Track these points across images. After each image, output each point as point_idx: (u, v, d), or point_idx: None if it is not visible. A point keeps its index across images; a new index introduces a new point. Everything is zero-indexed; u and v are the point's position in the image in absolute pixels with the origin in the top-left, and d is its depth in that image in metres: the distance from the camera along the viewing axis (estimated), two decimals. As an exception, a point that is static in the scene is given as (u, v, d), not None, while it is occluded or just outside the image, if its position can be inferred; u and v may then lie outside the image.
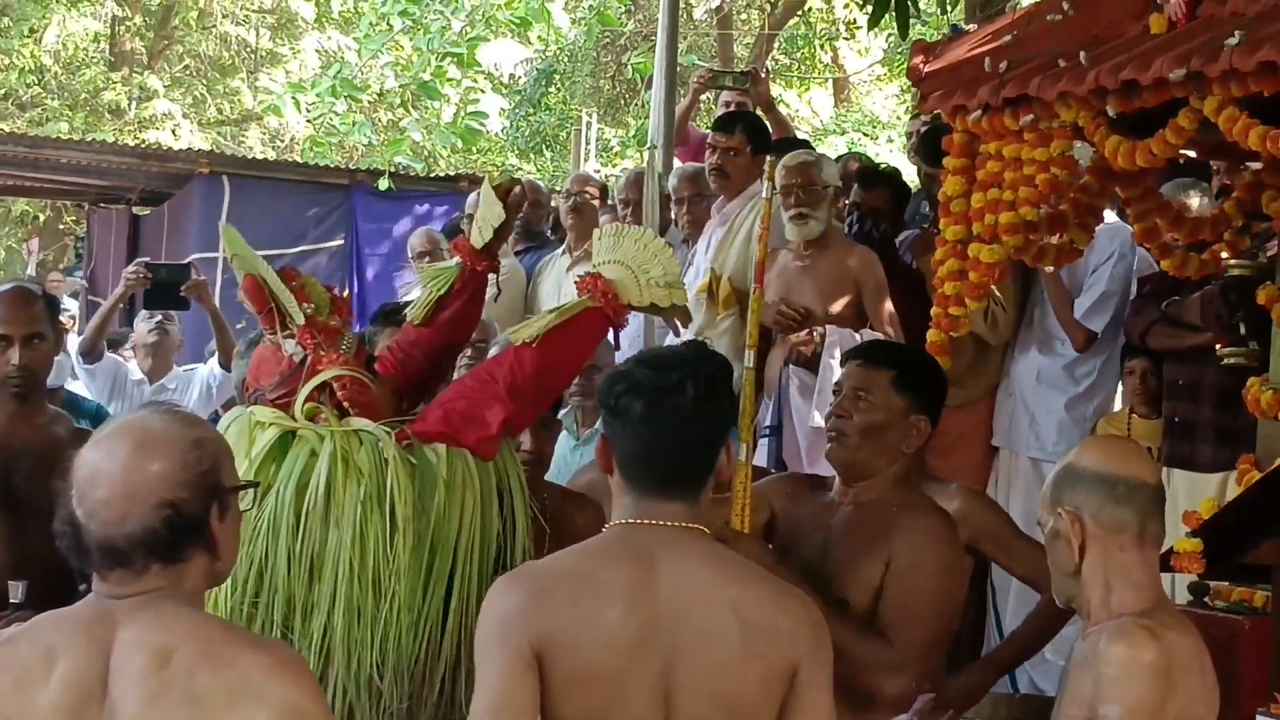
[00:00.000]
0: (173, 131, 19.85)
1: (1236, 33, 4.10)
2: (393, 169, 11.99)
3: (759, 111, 7.70)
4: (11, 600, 3.89)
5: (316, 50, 20.41)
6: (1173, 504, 5.09)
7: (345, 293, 3.86)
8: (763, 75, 8.46)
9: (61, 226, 19.53)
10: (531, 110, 18.24)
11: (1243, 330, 5.34)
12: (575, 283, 3.72)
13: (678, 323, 3.72)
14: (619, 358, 4.49)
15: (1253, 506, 4.43)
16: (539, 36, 15.13)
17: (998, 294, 5.99)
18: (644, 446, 2.83)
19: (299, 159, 16.51)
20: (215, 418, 5.23)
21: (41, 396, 4.36)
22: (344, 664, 3.34)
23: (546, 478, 4.27)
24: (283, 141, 21.01)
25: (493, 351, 4.78)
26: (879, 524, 3.61)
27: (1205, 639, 3.05)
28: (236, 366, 4.85)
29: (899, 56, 15.75)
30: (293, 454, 3.42)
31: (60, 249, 19.02)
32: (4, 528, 4.08)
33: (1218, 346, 5.50)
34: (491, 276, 3.78)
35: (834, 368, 5.79)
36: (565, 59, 18.17)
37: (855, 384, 3.75)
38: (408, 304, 3.89)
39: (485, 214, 3.70)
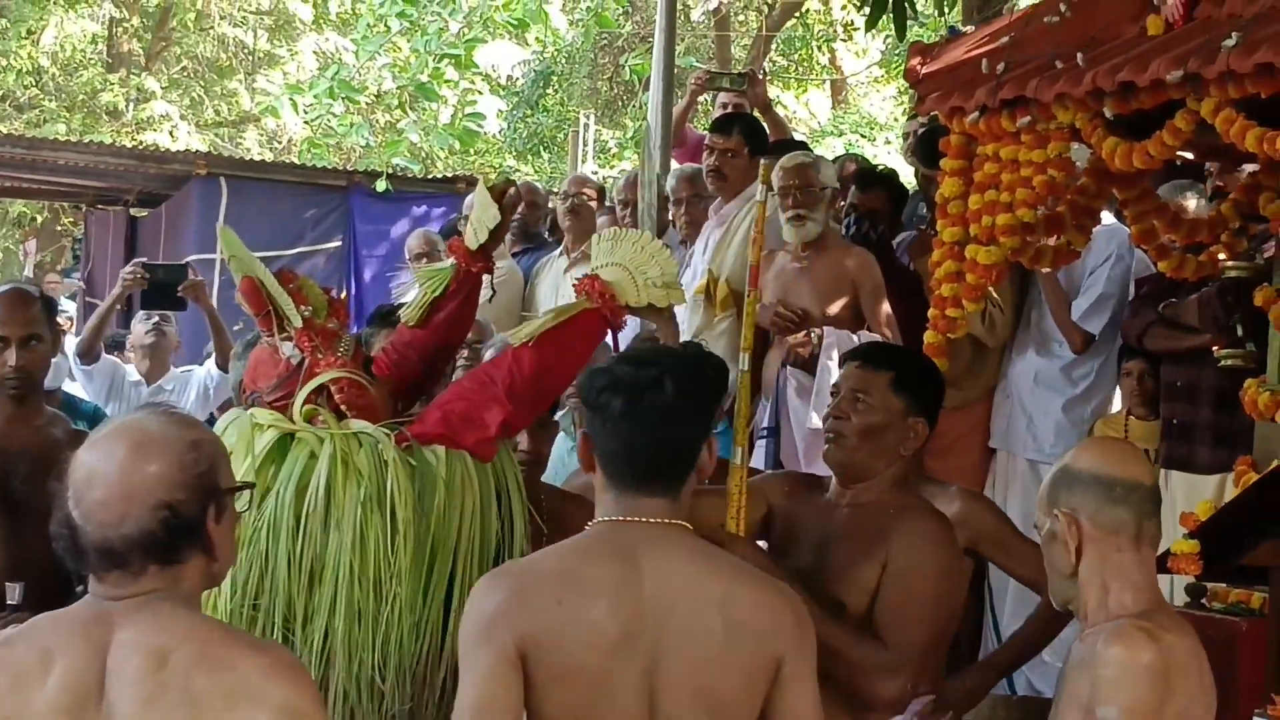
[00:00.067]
0: (170, 133, 19.84)
1: (1234, 34, 4.10)
2: (390, 170, 11.98)
3: (756, 113, 7.71)
4: (9, 602, 3.88)
5: (314, 52, 20.40)
6: (1171, 506, 5.10)
7: (343, 294, 3.88)
8: (760, 77, 8.47)
9: (59, 228, 19.52)
10: (529, 112, 18.24)
11: (1240, 332, 5.34)
12: (574, 285, 3.73)
13: (669, 331, 3.73)
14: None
15: (1250, 508, 4.43)
16: (536, 38, 15.13)
17: (995, 296, 5.99)
18: (624, 443, 2.84)
19: (296, 160, 16.50)
20: (211, 420, 5.22)
21: (39, 398, 4.36)
22: (346, 667, 3.34)
23: (543, 479, 4.27)
24: (280, 143, 21.00)
25: (488, 354, 4.77)
26: (876, 526, 3.61)
27: (1202, 640, 3.05)
28: (234, 368, 4.85)
29: (896, 58, 15.74)
30: (292, 456, 3.42)
31: (58, 250, 19.02)
32: (1, 529, 4.08)
33: (1215, 348, 5.50)
34: (486, 278, 3.78)
35: (832, 369, 5.79)
36: (563, 60, 18.16)
37: (853, 385, 3.75)
38: (404, 305, 3.89)
39: (480, 215, 3.70)
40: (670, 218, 7.18)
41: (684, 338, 6.16)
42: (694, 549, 2.86)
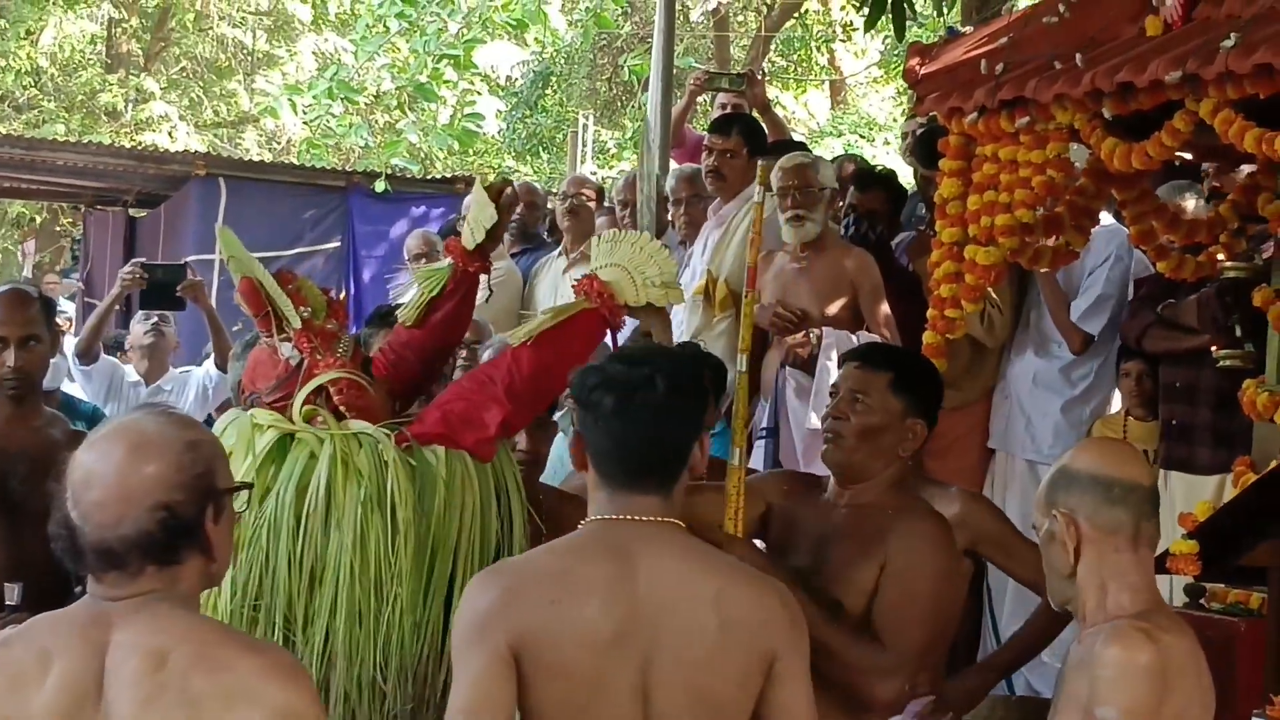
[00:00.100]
0: (169, 133, 19.84)
1: (1232, 35, 4.10)
2: (389, 171, 11.98)
3: (755, 113, 7.70)
4: (8, 602, 3.88)
5: (313, 52, 20.40)
6: (1170, 506, 5.10)
7: (342, 295, 3.88)
8: (759, 77, 8.46)
9: (58, 228, 19.52)
10: (528, 112, 18.23)
11: (1238, 332, 5.34)
12: (573, 286, 3.73)
13: (663, 331, 3.73)
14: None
15: (1248, 509, 4.43)
16: (535, 39, 15.12)
17: (994, 296, 5.99)
18: (616, 441, 2.84)
19: (295, 161, 16.50)
20: (209, 421, 5.22)
21: (37, 398, 4.36)
22: (347, 667, 3.34)
23: (542, 479, 4.28)
24: (279, 143, 21.01)
25: (485, 354, 4.78)
26: (874, 527, 3.61)
27: (1201, 641, 3.05)
28: (232, 368, 4.85)
29: (895, 59, 15.74)
30: (292, 456, 3.42)
31: (56, 251, 19.02)
32: (0, 530, 4.08)
33: (1214, 349, 5.50)
34: (483, 278, 3.78)
35: (831, 369, 5.78)
36: (562, 61, 18.16)
37: (852, 386, 3.75)
38: (402, 305, 3.89)
39: (477, 215, 3.71)
40: (669, 218, 7.18)
41: (683, 338, 6.20)
42: (687, 547, 2.87)
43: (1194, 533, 4.37)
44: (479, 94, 14.18)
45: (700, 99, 8.96)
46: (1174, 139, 4.40)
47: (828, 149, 15.20)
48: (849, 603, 3.58)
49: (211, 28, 21.43)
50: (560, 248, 7.85)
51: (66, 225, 18.75)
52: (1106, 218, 5.80)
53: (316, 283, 3.83)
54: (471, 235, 3.70)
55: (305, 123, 14.17)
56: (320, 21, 20.44)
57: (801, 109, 19.74)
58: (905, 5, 7.89)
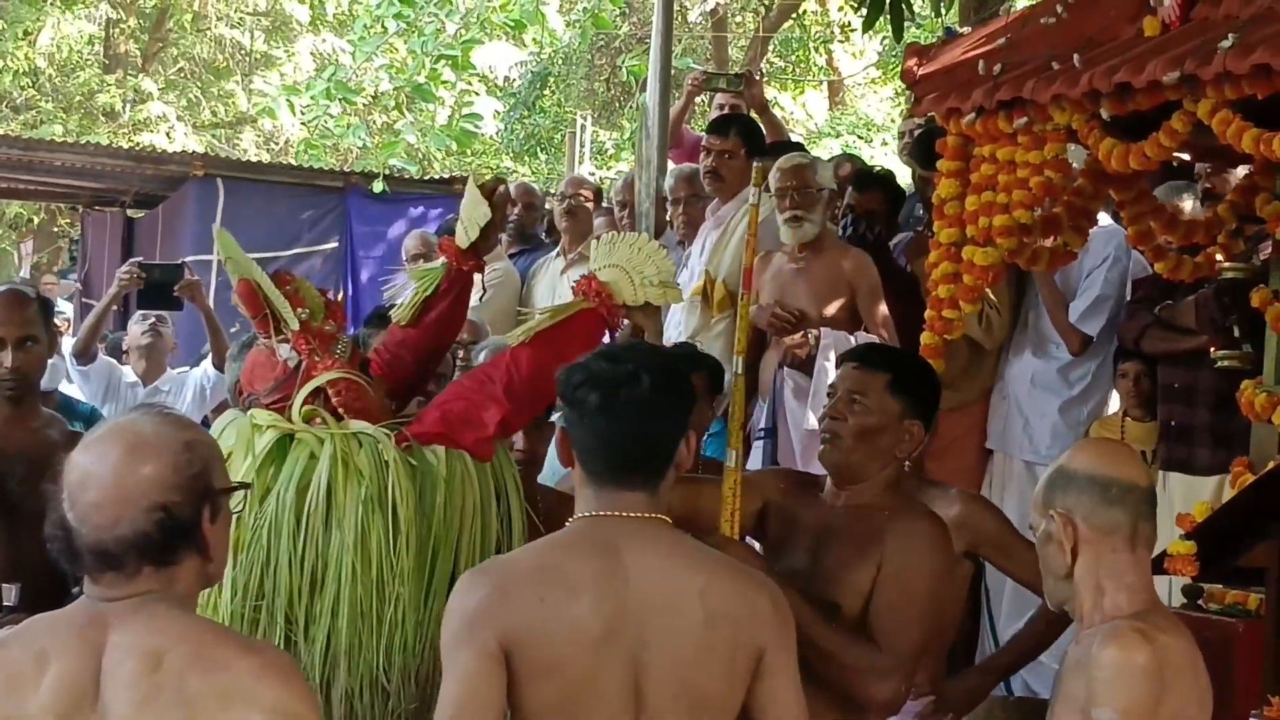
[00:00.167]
0: (167, 134, 19.84)
1: (1230, 35, 4.10)
2: (387, 171, 11.98)
3: (753, 114, 7.70)
4: (5, 603, 3.88)
5: (311, 53, 20.40)
6: (1169, 507, 5.09)
7: (340, 296, 3.88)
8: (757, 78, 8.45)
9: (56, 229, 19.54)
10: (526, 113, 18.22)
11: (1237, 333, 5.34)
12: (572, 287, 3.73)
13: (655, 330, 3.73)
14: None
15: (1246, 509, 4.43)
16: (533, 39, 15.10)
17: (992, 297, 5.99)
18: (601, 438, 2.85)
19: (293, 162, 16.51)
20: (206, 423, 5.22)
21: (35, 399, 4.35)
22: (350, 668, 3.34)
23: (540, 479, 4.27)
24: (277, 144, 21.00)
25: (481, 355, 4.78)
26: (871, 528, 3.60)
27: (1199, 642, 3.05)
28: (229, 369, 4.84)
29: (894, 59, 15.73)
30: (292, 457, 3.42)
31: (54, 252, 19.04)
32: (-3, 531, 4.08)
33: (1212, 349, 5.51)
34: (478, 277, 3.78)
35: (829, 370, 5.78)
36: (560, 61, 18.14)
37: (850, 386, 3.75)
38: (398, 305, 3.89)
39: (471, 213, 3.71)
40: (668, 218, 7.18)
41: (682, 339, 6.20)
42: (674, 543, 2.88)
43: (1192, 533, 4.37)
44: (477, 94, 14.18)
45: (698, 99, 8.96)
46: (1172, 140, 4.40)
47: (826, 150, 15.21)
48: (846, 603, 3.58)
49: (209, 28, 21.43)
50: (558, 248, 7.85)
51: (64, 226, 18.76)
52: (1104, 218, 5.81)
53: (314, 283, 3.83)
54: (465, 234, 3.70)
55: (303, 123, 14.17)
56: (318, 22, 20.44)
57: (800, 110, 19.74)
58: (903, 6, 7.90)
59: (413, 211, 11.65)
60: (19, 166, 12.10)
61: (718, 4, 17.46)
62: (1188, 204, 5.83)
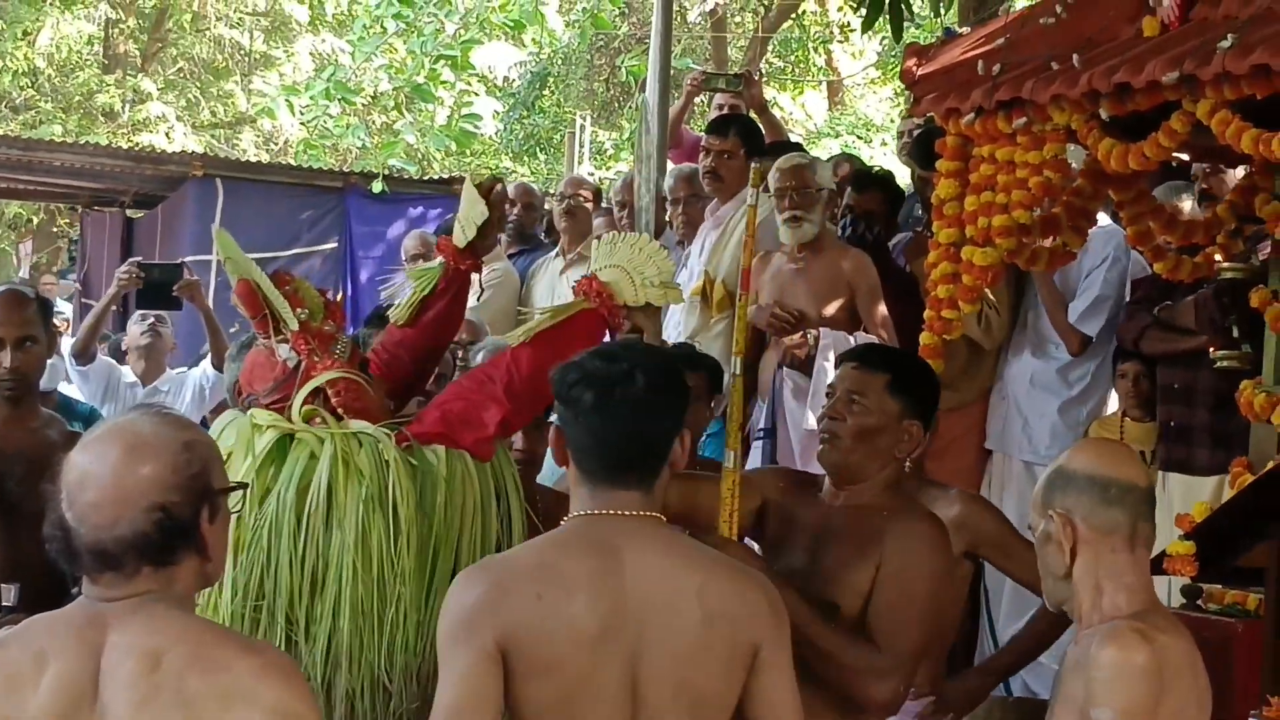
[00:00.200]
0: (166, 134, 19.84)
1: (1229, 35, 4.10)
2: (387, 172, 11.98)
3: (753, 114, 7.70)
4: (4, 604, 3.88)
5: (310, 53, 20.39)
6: (1168, 507, 5.09)
7: (339, 296, 3.87)
8: (756, 78, 8.46)
9: (55, 229, 19.54)
10: (525, 113, 18.22)
11: (1236, 333, 5.35)
12: (573, 288, 3.73)
13: (654, 330, 3.73)
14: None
15: (1245, 509, 4.43)
16: (533, 39, 15.11)
17: (991, 297, 5.99)
18: (596, 437, 2.86)
19: (293, 162, 16.51)
20: (204, 424, 5.21)
21: (34, 400, 4.35)
22: (353, 668, 3.34)
23: (538, 479, 4.27)
24: (276, 144, 21.01)
25: (479, 356, 4.78)
26: (870, 528, 3.60)
27: (1198, 642, 3.04)
28: (228, 369, 4.85)
29: (893, 59, 15.73)
30: (293, 457, 3.42)
31: (54, 252, 19.04)
32: (-3, 532, 4.08)
33: (1211, 350, 5.51)
34: (475, 277, 3.78)
35: (828, 370, 5.79)
36: (559, 62, 18.14)
37: (849, 387, 3.75)
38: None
39: (468, 212, 3.71)
40: (667, 218, 7.18)
41: (681, 339, 6.20)
42: (670, 541, 2.89)
43: (1191, 534, 4.37)
44: (476, 95, 14.18)
45: (698, 100, 8.96)
46: (1171, 140, 4.40)
47: (825, 150, 15.20)
48: (845, 604, 3.58)
49: (209, 28, 21.43)
50: (557, 249, 7.85)
51: (64, 226, 18.76)
52: (1104, 219, 5.81)
53: (314, 284, 3.82)
54: (462, 233, 3.70)
55: (302, 123, 14.18)
56: (317, 22, 20.44)
57: (799, 110, 19.74)
58: (903, 6, 7.90)
59: (412, 212, 11.65)
60: (18, 167, 12.10)
61: (717, 4, 17.46)
62: (1187, 204, 5.83)
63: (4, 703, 2.38)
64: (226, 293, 4.16)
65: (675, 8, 9.58)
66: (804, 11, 18.46)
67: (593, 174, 13.94)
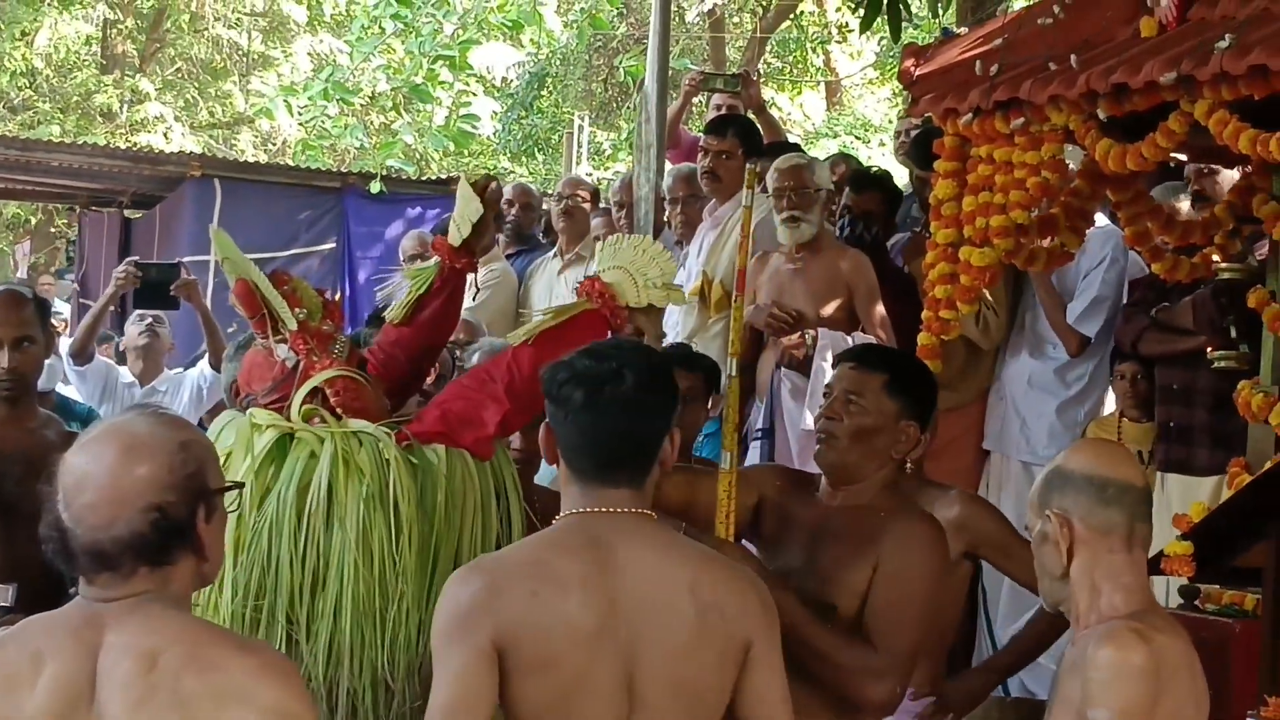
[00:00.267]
0: (164, 134, 19.85)
1: (1227, 36, 4.10)
2: (385, 172, 11.98)
3: (751, 115, 7.70)
4: (1, 604, 3.88)
5: (308, 53, 20.39)
6: (1167, 508, 5.10)
7: (337, 296, 3.87)
8: (754, 78, 8.46)
9: (53, 230, 19.54)
10: (523, 113, 18.21)
11: (1233, 333, 5.35)
12: (575, 289, 3.73)
13: (654, 331, 3.73)
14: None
15: (1243, 509, 4.42)
16: (531, 40, 15.11)
17: (989, 298, 5.99)
18: (586, 436, 2.87)
19: (291, 162, 16.52)
20: (201, 426, 5.21)
21: (32, 400, 4.34)
22: (354, 666, 3.34)
23: (536, 479, 4.27)
24: (274, 145, 21.01)
25: (475, 357, 4.78)
26: (867, 529, 3.60)
27: (1195, 642, 3.04)
28: (226, 369, 4.84)
29: (891, 60, 15.73)
30: (293, 456, 3.42)
31: (52, 252, 19.04)
32: (-6, 532, 4.07)
33: (1209, 350, 5.51)
34: (471, 277, 3.77)
35: (826, 370, 5.78)
36: (557, 62, 18.13)
37: (847, 387, 3.74)
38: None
39: (463, 210, 3.70)
40: (666, 218, 7.18)
41: (679, 339, 6.20)
42: (662, 538, 2.89)
43: (1189, 534, 4.37)
44: (474, 95, 14.17)
45: (696, 100, 8.95)
46: (1169, 140, 4.40)
47: (823, 150, 15.20)
48: (842, 604, 3.58)
49: (207, 29, 21.43)
50: (555, 249, 7.85)
51: (62, 226, 18.77)
52: (1101, 219, 5.81)
53: (311, 284, 3.82)
54: (458, 231, 3.70)
55: (300, 124, 14.18)
56: (315, 23, 20.44)
57: (797, 110, 19.74)
58: (901, 6, 7.91)
59: (410, 212, 11.66)
60: (16, 167, 12.10)
61: (715, 4, 17.45)
62: (1184, 204, 5.83)
63: (1, 703, 2.38)
64: (224, 293, 4.16)
65: (673, 8, 9.59)
66: (802, 12, 18.46)
67: (591, 174, 13.95)
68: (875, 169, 7.75)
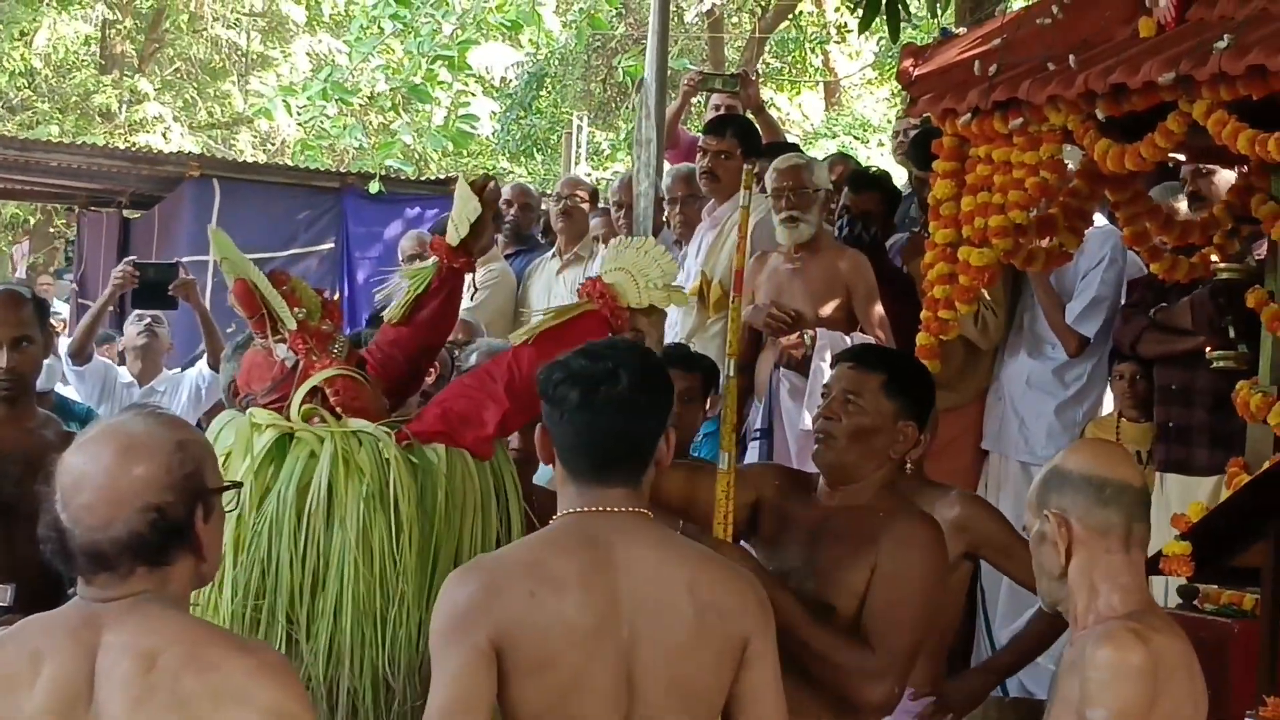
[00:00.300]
0: (163, 135, 19.84)
1: (1225, 36, 4.11)
2: (383, 172, 11.98)
3: (749, 115, 7.71)
4: (0, 604, 3.88)
5: (307, 53, 20.40)
6: (1165, 508, 5.11)
7: (336, 296, 3.87)
8: (753, 78, 8.45)
9: (52, 230, 19.55)
10: (522, 113, 18.22)
11: (1232, 333, 5.35)
12: (577, 290, 3.73)
13: (655, 332, 3.73)
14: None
15: (1242, 509, 4.43)
16: (530, 40, 15.12)
17: (987, 298, 5.99)
18: (581, 436, 2.87)
19: (289, 162, 16.51)
20: (200, 426, 5.21)
21: (31, 400, 4.34)
22: (355, 666, 3.34)
23: (535, 479, 4.27)
24: (273, 145, 21.01)
25: (472, 358, 4.78)
26: (865, 529, 3.60)
27: (1194, 642, 3.04)
28: (224, 369, 4.84)
29: (890, 60, 15.74)
30: (292, 456, 3.42)
31: (50, 252, 19.04)
32: (-7, 532, 4.07)
33: (1208, 350, 5.51)
34: (469, 277, 3.77)
35: (824, 370, 5.79)
36: (556, 62, 18.14)
37: (845, 387, 3.75)
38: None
39: (461, 210, 3.70)
40: (665, 218, 7.18)
41: (678, 339, 6.20)
42: (659, 536, 2.89)
43: (1187, 534, 4.38)
44: (473, 95, 14.17)
45: (694, 100, 8.95)
46: (1167, 140, 4.40)
47: (822, 150, 15.21)
48: (840, 604, 3.58)
49: (206, 29, 21.44)
50: (554, 249, 7.85)
51: (60, 226, 18.77)
52: (1100, 219, 5.81)
53: (310, 284, 3.82)
54: (455, 230, 3.70)
55: (299, 124, 14.18)
56: (314, 23, 20.45)
57: (796, 110, 19.76)
58: (900, 7, 7.91)
59: (409, 212, 11.65)
60: (15, 167, 12.10)
61: (714, 5, 17.46)
62: (1183, 204, 5.83)
63: (0, 703, 2.38)
64: (223, 293, 4.16)
65: (672, 8, 9.59)
66: (801, 12, 18.47)
67: (589, 174, 13.95)
68: (874, 169, 7.74)
